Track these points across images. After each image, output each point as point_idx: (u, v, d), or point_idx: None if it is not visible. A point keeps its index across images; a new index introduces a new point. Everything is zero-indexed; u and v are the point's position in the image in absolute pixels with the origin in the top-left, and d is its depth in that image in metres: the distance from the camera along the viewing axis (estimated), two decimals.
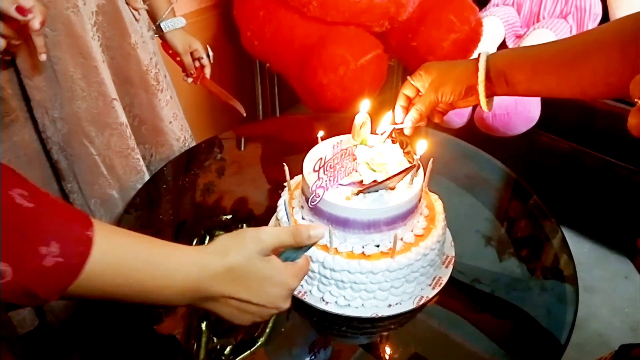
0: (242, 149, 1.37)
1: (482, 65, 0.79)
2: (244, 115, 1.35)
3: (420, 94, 0.88)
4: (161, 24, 1.24)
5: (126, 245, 0.54)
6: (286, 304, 0.64)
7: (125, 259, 0.53)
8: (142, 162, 1.22)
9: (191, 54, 1.29)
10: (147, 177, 1.23)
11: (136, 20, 1.11)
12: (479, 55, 0.80)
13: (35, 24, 0.60)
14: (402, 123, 0.89)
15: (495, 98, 0.85)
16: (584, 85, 0.71)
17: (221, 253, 0.59)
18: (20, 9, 0.69)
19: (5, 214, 0.43)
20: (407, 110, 0.89)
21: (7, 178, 0.46)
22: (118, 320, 0.88)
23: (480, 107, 0.83)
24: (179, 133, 1.30)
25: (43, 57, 0.90)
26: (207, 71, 1.34)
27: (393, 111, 0.90)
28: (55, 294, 0.48)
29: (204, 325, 0.82)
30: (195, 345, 0.81)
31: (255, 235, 0.61)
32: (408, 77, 0.88)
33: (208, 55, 1.32)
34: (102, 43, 1.06)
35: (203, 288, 0.58)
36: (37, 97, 1.03)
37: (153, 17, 1.24)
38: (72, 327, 1.30)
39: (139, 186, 1.18)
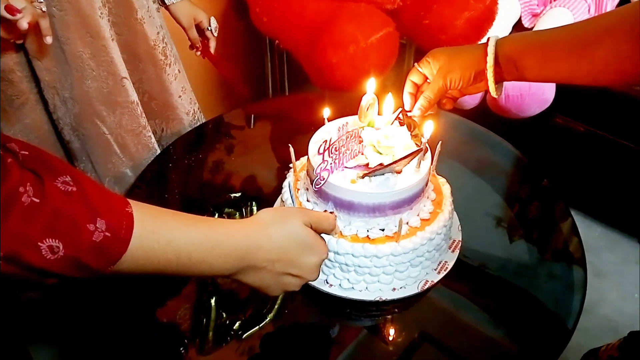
0: (251, 127, 1.36)
1: (490, 50, 0.77)
2: (246, 94, 1.33)
3: (428, 81, 0.86)
4: None
5: (168, 220, 0.57)
6: (316, 275, 0.68)
7: (170, 232, 0.56)
8: (153, 139, 1.22)
9: (197, 26, 1.25)
10: (158, 152, 1.23)
11: None
12: (488, 39, 0.78)
13: (23, 24, 0.60)
14: (410, 111, 0.87)
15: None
16: (594, 72, 0.70)
17: (266, 224, 0.63)
18: (10, 9, 0.70)
19: (54, 202, 0.48)
20: (415, 97, 0.88)
21: (51, 169, 0.50)
22: (120, 304, 0.89)
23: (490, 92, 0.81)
24: (188, 107, 1.29)
25: (49, 39, 0.89)
26: (212, 45, 1.29)
27: (400, 98, 0.88)
28: (107, 266, 0.52)
29: (213, 301, 0.83)
30: (204, 321, 0.82)
31: (301, 209, 0.67)
32: (415, 64, 0.87)
33: (210, 29, 1.27)
34: (109, 20, 1.05)
35: (249, 257, 0.61)
36: (47, 78, 1.03)
37: None
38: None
39: None
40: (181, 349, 0.81)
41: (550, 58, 0.73)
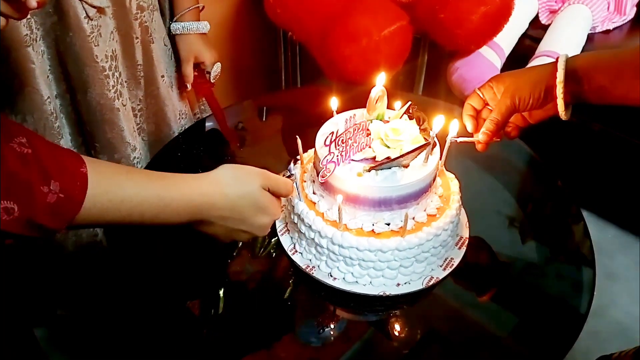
0: (263, 119, 1.35)
1: (561, 63, 0.73)
2: (238, 146, 1.22)
3: (488, 107, 0.83)
4: (171, 25, 1.16)
5: (122, 180, 0.60)
6: (265, 232, 0.74)
7: (123, 192, 0.59)
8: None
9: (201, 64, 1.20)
10: None
11: (89, 17, 0.95)
12: (558, 57, 0.75)
13: (32, 2, 0.60)
14: (472, 135, 0.83)
15: None
16: None
17: (223, 185, 0.67)
18: None
19: (9, 164, 0.49)
20: (475, 119, 0.83)
21: (7, 130, 0.51)
22: (130, 295, 0.90)
23: (559, 114, 0.77)
24: (133, 151, 1.14)
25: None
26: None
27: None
28: (62, 225, 0.55)
29: (221, 292, 0.84)
30: (212, 311, 0.83)
31: (262, 171, 0.70)
32: (475, 89, 0.83)
33: (208, 72, 1.21)
34: (41, 29, 0.95)
35: (202, 214, 0.66)
36: None
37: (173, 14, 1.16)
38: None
39: None
40: (190, 338, 0.81)
41: (626, 75, 0.69)
